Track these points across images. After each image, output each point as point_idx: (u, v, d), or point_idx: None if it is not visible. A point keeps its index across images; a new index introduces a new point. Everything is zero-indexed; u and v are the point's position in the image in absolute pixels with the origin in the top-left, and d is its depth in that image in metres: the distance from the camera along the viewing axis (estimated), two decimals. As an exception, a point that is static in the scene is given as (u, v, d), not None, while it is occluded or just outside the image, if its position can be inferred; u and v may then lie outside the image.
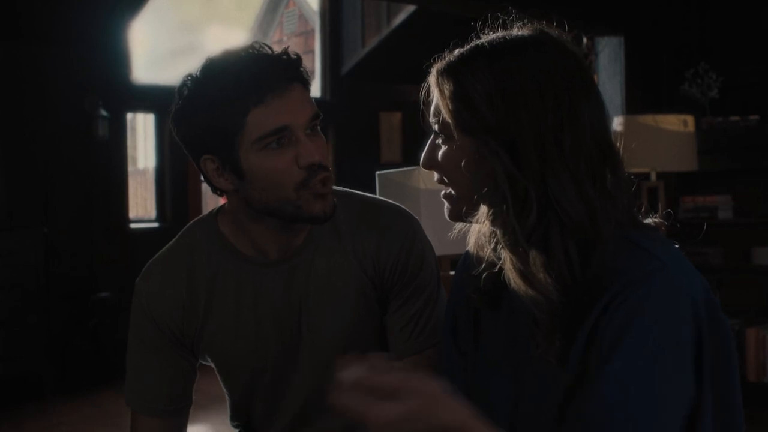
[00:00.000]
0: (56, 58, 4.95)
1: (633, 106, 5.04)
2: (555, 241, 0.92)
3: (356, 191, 1.41)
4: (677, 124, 4.05)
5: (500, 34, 1.01)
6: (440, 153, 1.03)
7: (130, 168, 5.90)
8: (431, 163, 1.05)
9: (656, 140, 3.97)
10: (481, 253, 1.06)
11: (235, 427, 1.51)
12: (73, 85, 5.02)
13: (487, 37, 1.01)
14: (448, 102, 0.98)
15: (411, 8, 6.40)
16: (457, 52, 1.01)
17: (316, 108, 1.24)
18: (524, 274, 0.94)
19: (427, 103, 1.04)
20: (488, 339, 1.07)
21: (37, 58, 4.89)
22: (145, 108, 5.78)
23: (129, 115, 5.72)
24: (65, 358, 4.92)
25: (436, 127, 1.03)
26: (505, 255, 0.97)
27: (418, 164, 1.11)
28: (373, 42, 7.00)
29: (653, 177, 4.15)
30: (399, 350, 1.35)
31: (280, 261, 1.32)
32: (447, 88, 0.99)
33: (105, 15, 5.14)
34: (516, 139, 0.93)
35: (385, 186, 2.30)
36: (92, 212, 5.19)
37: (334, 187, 1.30)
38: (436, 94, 1.01)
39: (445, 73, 1.00)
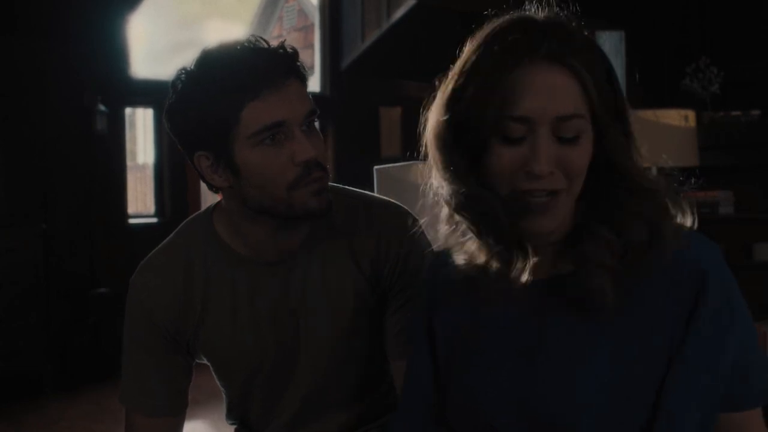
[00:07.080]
0: (54, 53, 4.93)
1: (633, 101, 5.02)
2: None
3: (354, 189, 1.39)
4: (678, 119, 4.03)
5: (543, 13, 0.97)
6: (572, 152, 0.92)
7: (129, 163, 5.87)
8: (554, 167, 0.91)
9: (657, 135, 3.95)
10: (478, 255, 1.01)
11: (232, 424, 1.49)
12: (72, 80, 5.00)
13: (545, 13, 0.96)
14: (592, 90, 0.92)
15: (411, 3, 6.38)
16: (551, 29, 0.93)
17: (313, 104, 1.21)
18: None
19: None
20: (488, 340, 1.04)
21: (35, 53, 4.87)
22: (144, 103, 5.76)
23: (128, 110, 5.69)
24: (65, 354, 4.91)
25: (565, 124, 0.91)
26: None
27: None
28: (373, 37, 6.97)
29: (654, 172, 4.12)
30: (395, 353, 1.32)
31: (276, 261, 1.29)
32: (586, 77, 0.91)
33: (103, 9, 5.12)
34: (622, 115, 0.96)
35: (384, 181, 2.27)
36: (91, 208, 5.17)
37: (332, 184, 1.28)
38: (572, 86, 0.91)
39: (577, 57, 0.91)
